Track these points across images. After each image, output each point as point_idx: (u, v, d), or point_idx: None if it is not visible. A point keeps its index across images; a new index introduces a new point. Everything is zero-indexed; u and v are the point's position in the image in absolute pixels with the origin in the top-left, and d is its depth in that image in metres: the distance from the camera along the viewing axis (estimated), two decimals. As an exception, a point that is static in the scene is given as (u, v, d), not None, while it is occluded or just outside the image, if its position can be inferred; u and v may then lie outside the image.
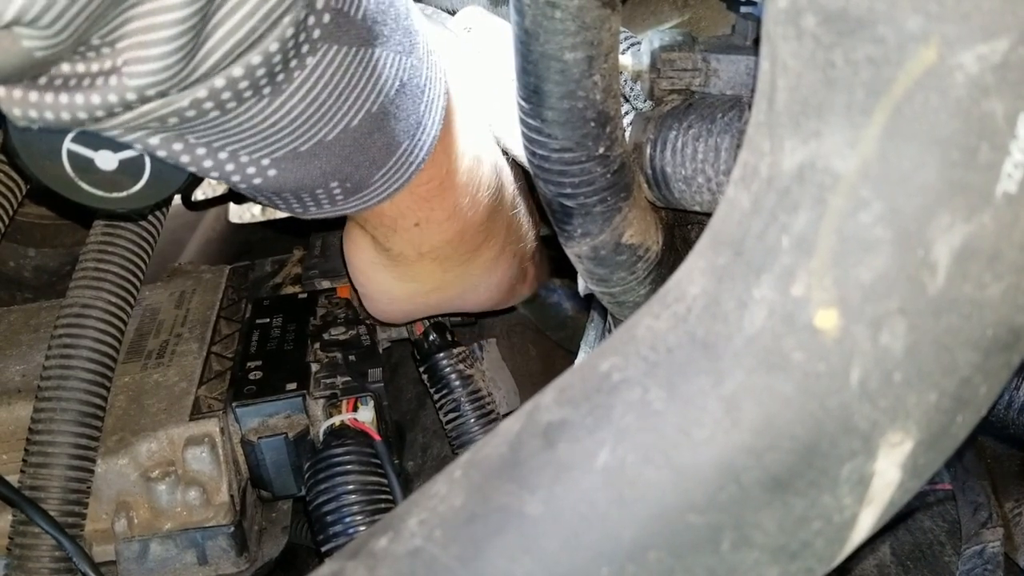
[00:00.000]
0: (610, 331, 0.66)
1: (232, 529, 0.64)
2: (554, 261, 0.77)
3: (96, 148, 0.49)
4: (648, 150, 0.51)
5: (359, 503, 0.62)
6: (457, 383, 0.74)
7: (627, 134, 0.52)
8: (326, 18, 0.44)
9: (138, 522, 0.64)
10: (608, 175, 0.47)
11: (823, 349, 0.27)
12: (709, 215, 0.41)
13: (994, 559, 0.58)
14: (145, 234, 0.68)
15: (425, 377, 0.75)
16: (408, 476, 0.80)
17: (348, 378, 0.68)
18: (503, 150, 0.65)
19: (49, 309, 0.77)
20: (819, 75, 0.26)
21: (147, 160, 0.50)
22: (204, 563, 0.64)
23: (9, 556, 0.61)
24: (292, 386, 0.66)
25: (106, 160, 0.49)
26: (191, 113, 0.43)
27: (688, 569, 0.29)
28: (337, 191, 0.52)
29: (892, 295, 0.26)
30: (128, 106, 0.41)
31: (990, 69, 0.25)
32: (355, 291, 0.71)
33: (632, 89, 0.53)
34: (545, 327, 0.93)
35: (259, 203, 0.55)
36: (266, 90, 0.44)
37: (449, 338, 0.75)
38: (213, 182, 0.53)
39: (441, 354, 0.74)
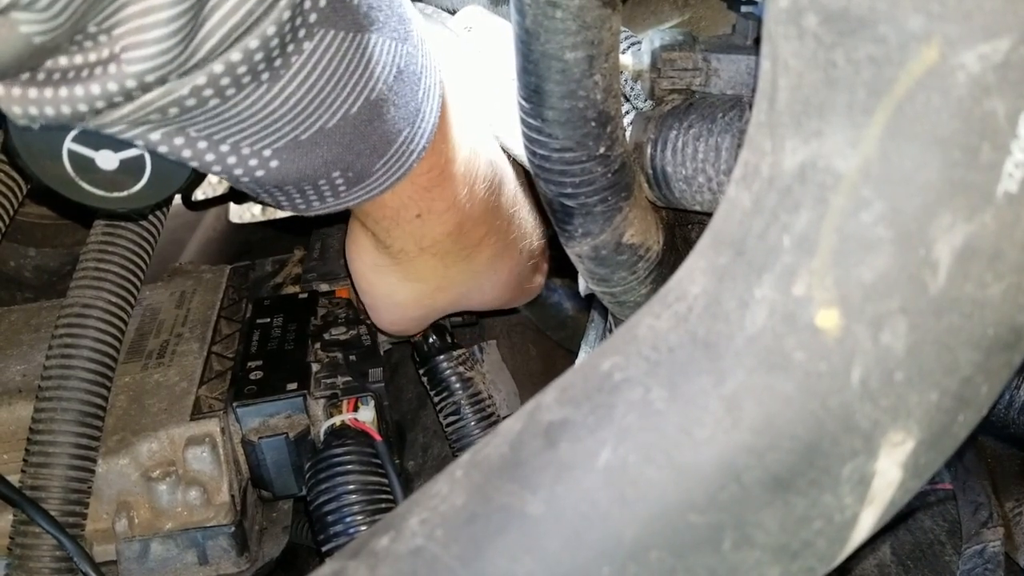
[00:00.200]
0: (611, 331, 0.66)
1: (233, 529, 0.64)
2: (554, 261, 0.77)
3: (97, 148, 0.49)
4: (649, 150, 0.51)
5: (360, 503, 0.62)
6: (457, 385, 0.73)
7: (628, 134, 0.52)
8: (322, 2, 0.44)
9: (139, 522, 0.64)
10: (609, 175, 0.47)
11: (824, 348, 0.27)
12: (710, 215, 0.41)
13: (994, 559, 0.58)
14: (146, 234, 0.68)
15: (425, 379, 0.75)
16: (409, 476, 0.80)
17: (349, 378, 0.68)
18: (504, 150, 0.65)
19: (50, 309, 0.77)
20: (820, 75, 0.26)
21: (148, 159, 0.50)
22: (205, 563, 0.64)
23: (10, 556, 0.61)
24: (293, 386, 0.66)
25: (107, 160, 0.49)
26: (191, 102, 0.43)
27: (689, 568, 0.29)
28: (340, 181, 0.52)
29: (893, 294, 0.26)
30: (128, 95, 0.41)
31: (991, 69, 0.25)
32: (360, 303, 0.71)
33: (633, 89, 0.53)
34: (545, 327, 0.93)
35: (263, 201, 0.54)
36: (264, 76, 0.44)
37: (449, 340, 0.75)
38: (213, 182, 0.53)
39: (441, 356, 0.74)
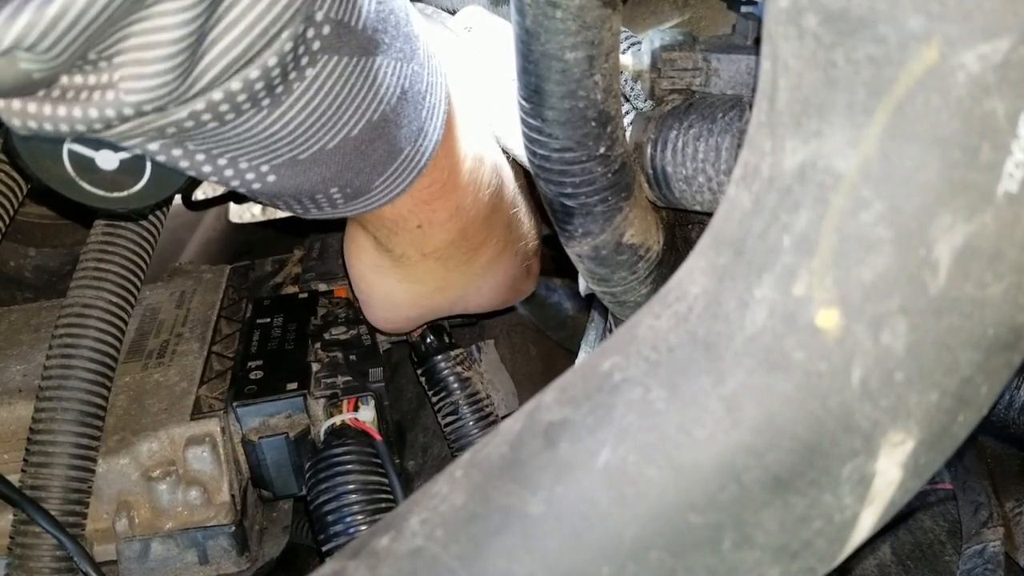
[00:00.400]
0: (611, 331, 0.66)
1: (233, 529, 0.64)
2: (554, 261, 0.77)
3: (97, 148, 0.49)
4: (649, 150, 0.51)
5: (360, 503, 0.62)
6: (455, 385, 0.73)
7: (628, 134, 0.52)
8: (326, 30, 0.44)
9: (139, 521, 0.64)
10: (609, 175, 0.47)
11: (824, 348, 0.27)
12: (710, 215, 0.41)
13: (995, 559, 0.58)
14: (146, 234, 0.68)
15: (423, 380, 0.75)
16: (409, 476, 0.80)
17: (349, 378, 0.68)
18: (503, 150, 0.65)
19: (50, 309, 0.77)
20: (820, 75, 0.26)
21: (148, 160, 0.50)
22: (205, 563, 0.64)
23: (10, 556, 0.61)
24: (293, 386, 0.66)
25: (107, 160, 0.49)
26: (189, 124, 0.43)
27: (689, 568, 0.29)
28: (337, 196, 0.52)
29: (893, 294, 0.26)
30: (125, 120, 0.41)
31: (991, 68, 0.25)
32: (356, 300, 0.71)
33: (633, 89, 0.53)
34: (545, 327, 0.93)
35: (259, 203, 0.55)
36: (265, 102, 0.44)
37: (447, 340, 0.75)
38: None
39: (439, 356, 0.74)
